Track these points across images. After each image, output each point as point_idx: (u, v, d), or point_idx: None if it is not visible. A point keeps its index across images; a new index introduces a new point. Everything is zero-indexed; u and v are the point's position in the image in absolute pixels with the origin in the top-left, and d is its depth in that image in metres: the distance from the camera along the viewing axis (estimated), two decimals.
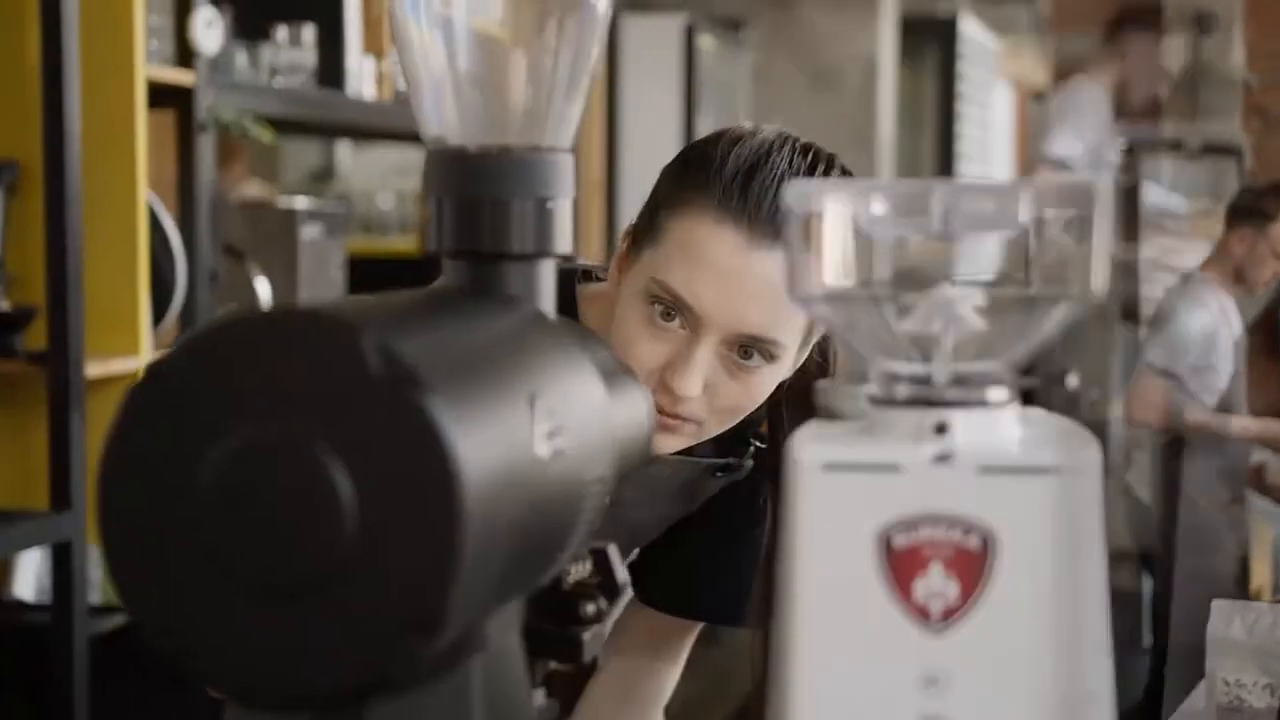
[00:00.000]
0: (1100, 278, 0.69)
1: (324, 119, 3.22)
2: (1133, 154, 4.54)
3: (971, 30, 7.50)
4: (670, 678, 1.55)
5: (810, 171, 1.28)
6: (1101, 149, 4.45)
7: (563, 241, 0.81)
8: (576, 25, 0.81)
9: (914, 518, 0.67)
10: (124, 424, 0.63)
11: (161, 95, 2.61)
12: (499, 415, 0.65)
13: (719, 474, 1.41)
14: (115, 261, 2.47)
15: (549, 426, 0.69)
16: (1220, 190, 7.73)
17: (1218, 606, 1.91)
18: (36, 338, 2.37)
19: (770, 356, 1.25)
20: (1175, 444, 4.28)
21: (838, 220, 0.70)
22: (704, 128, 5.99)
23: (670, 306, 1.24)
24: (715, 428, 1.29)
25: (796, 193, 0.70)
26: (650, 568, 1.43)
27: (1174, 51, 4.68)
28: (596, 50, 0.83)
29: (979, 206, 0.69)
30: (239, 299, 2.83)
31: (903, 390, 0.70)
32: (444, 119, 0.81)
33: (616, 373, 0.84)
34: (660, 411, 1.25)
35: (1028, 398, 0.72)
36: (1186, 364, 4.18)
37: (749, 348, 1.24)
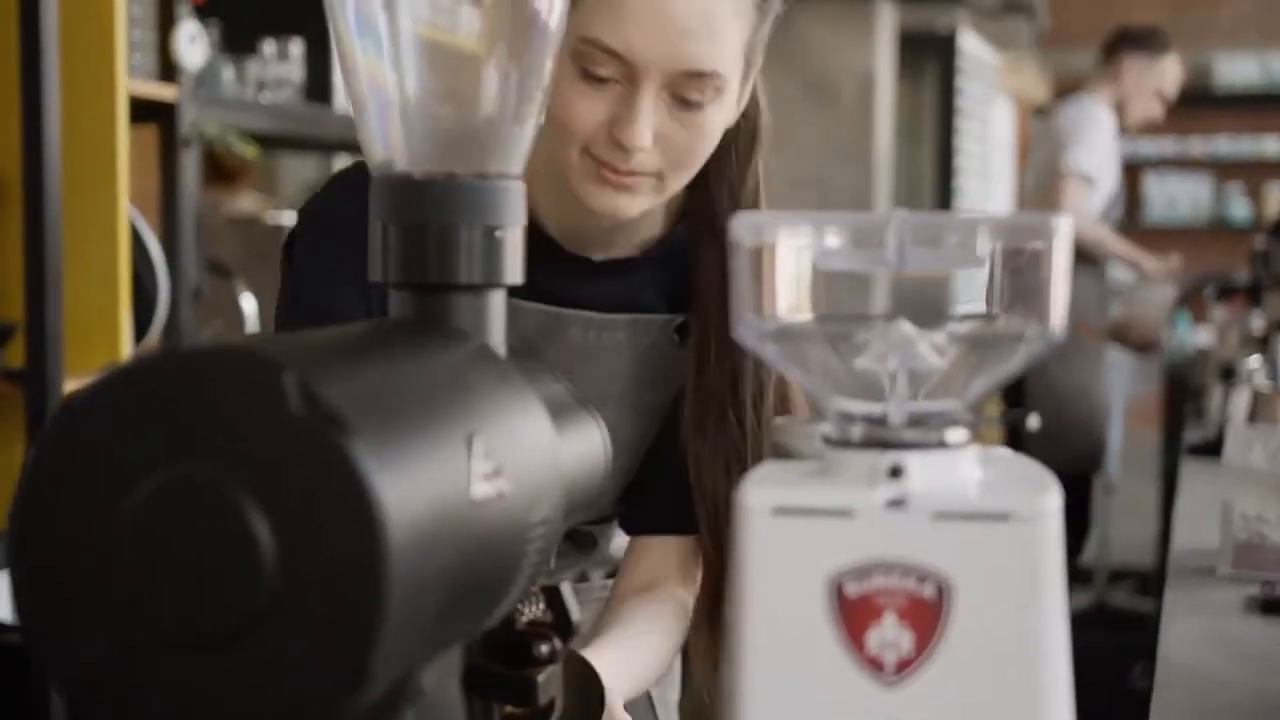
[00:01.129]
0: (1061, 314, 0.66)
1: (310, 134, 3.20)
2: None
3: (971, 45, 7.48)
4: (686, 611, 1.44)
5: None
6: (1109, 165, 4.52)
7: (513, 272, 0.79)
8: (526, 46, 0.79)
9: (867, 565, 0.64)
10: (38, 463, 0.60)
11: (145, 110, 2.58)
12: (431, 456, 0.62)
13: (677, 335, 1.39)
14: (96, 277, 2.44)
15: (488, 467, 0.66)
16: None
17: (1234, 431, 1.78)
18: (15, 355, 2.34)
19: (715, 91, 1.22)
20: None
21: (789, 253, 0.68)
22: None
23: (602, 62, 1.21)
24: (675, 182, 1.27)
25: (746, 224, 0.67)
26: (640, 490, 1.42)
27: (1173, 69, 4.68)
28: (548, 71, 0.81)
29: (935, 240, 0.66)
30: (224, 316, 2.80)
31: (857, 431, 0.67)
32: (390, 143, 0.79)
33: (568, 406, 0.81)
34: (615, 171, 1.23)
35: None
36: (1097, 172, 4.34)
37: (691, 88, 1.21)
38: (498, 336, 0.78)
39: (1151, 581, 5.15)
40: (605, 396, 1.35)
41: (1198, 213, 10.10)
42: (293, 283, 1.38)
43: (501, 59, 0.79)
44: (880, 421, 0.67)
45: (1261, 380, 2.92)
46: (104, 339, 2.46)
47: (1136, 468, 6.53)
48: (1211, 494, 1.89)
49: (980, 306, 0.67)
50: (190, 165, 2.64)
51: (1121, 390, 6.08)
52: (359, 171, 1.34)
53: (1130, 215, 10.25)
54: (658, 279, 1.39)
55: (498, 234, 0.77)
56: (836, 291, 0.69)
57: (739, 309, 0.68)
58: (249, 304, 2.89)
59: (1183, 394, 4.68)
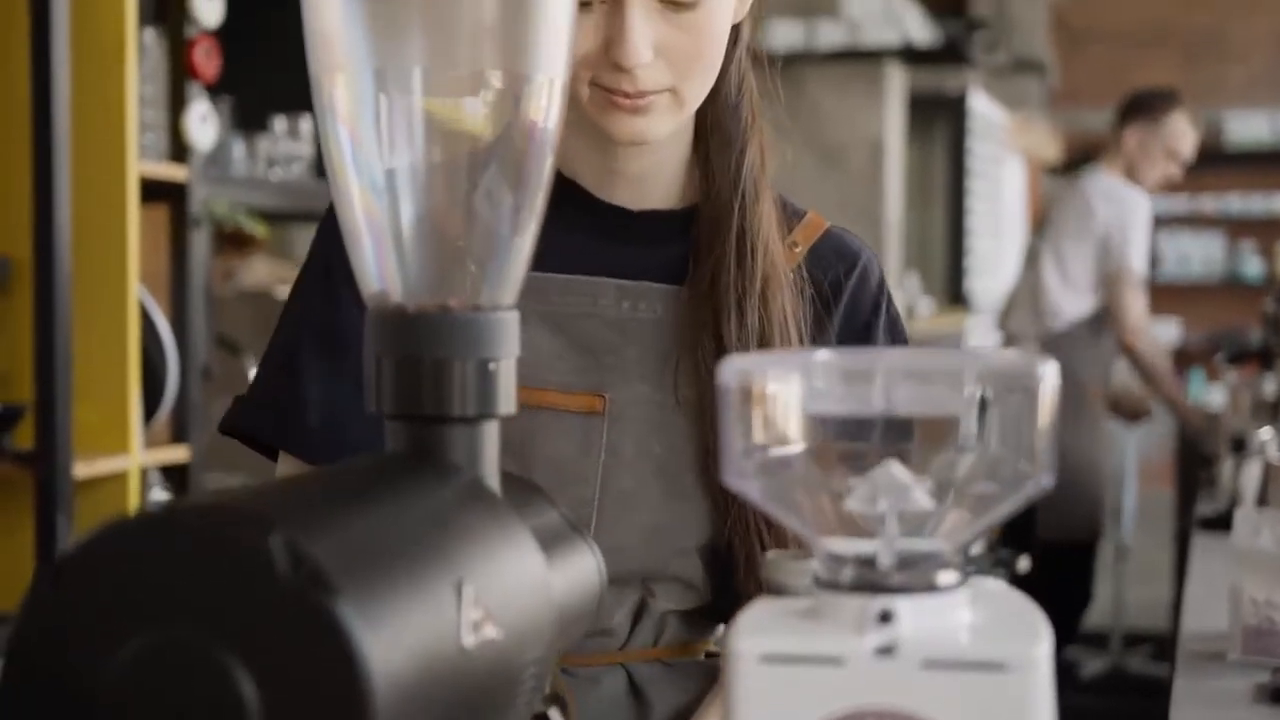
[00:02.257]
0: (1049, 460, 0.66)
1: (321, 209, 3.21)
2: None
3: (981, 105, 7.50)
4: None
5: None
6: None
7: (506, 402, 0.79)
8: (518, 180, 0.79)
9: (857, 713, 0.64)
10: (27, 620, 0.60)
11: (156, 189, 2.60)
12: (419, 609, 0.62)
13: None
14: (106, 359, 2.45)
15: (478, 614, 0.66)
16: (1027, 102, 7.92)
17: (1242, 514, 1.76)
18: (24, 437, 2.35)
19: None
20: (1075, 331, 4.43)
21: (777, 394, 0.68)
22: None
23: None
24: (692, 93, 1.20)
25: (733, 369, 0.67)
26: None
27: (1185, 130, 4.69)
28: (540, 204, 0.81)
29: (922, 384, 0.66)
30: (233, 391, 2.81)
31: (847, 573, 0.67)
32: (385, 276, 0.79)
33: (560, 535, 0.81)
34: (625, 95, 1.17)
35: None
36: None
37: None
38: (491, 467, 0.78)
39: (1168, 646, 5.11)
40: (643, 379, 1.25)
41: (1210, 270, 10.11)
42: (303, 293, 1.31)
43: (496, 189, 0.79)
44: (869, 563, 0.67)
45: (1274, 452, 2.90)
46: (113, 421, 2.47)
47: (1152, 528, 6.51)
48: (1222, 572, 1.88)
49: (971, 448, 0.67)
50: (200, 244, 2.66)
51: (1135, 451, 6.07)
52: None
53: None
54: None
55: (491, 366, 0.78)
56: (826, 430, 0.69)
57: (727, 451, 0.68)
58: None
59: (1195, 457, 4.67)
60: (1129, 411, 5.01)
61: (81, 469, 2.39)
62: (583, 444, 1.22)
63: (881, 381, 0.67)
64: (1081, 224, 4.50)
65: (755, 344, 1.21)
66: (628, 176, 1.28)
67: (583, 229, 1.28)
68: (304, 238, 5.04)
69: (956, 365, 0.66)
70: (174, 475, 2.72)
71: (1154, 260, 10.18)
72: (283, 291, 3.32)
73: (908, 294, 6.20)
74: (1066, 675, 5.04)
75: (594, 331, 1.25)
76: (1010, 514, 0.68)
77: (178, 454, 2.68)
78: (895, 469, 0.68)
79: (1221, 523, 2.71)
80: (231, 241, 3.56)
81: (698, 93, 1.20)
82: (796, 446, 0.68)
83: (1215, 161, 9.98)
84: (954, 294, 7.33)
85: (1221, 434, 3.85)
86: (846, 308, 1.29)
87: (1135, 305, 4.38)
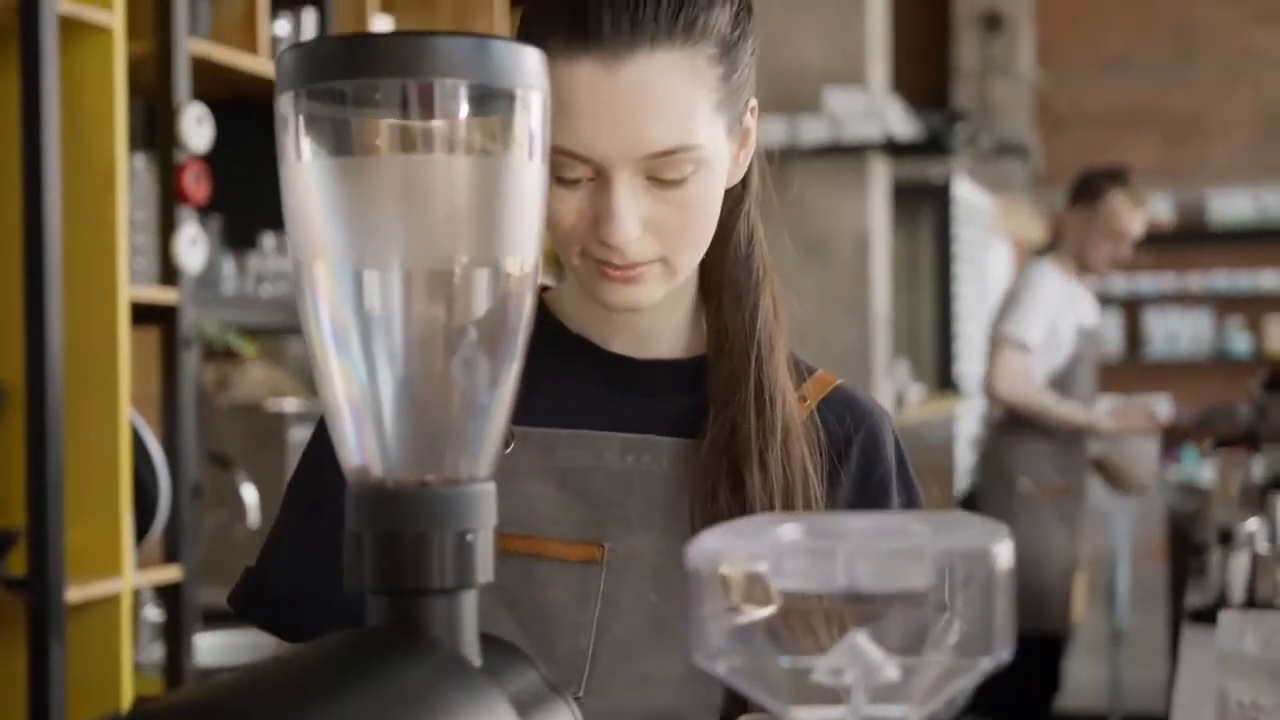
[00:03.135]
0: (1008, 633, 0.68)
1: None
2: None
3: (965, 191, 7.58)
4: None
5: None
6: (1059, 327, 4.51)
7: (484, 571, 0.81)
8: (493, 358, 0.82)
9: None
10: None
11: (147, 312, 2.63)
12: None
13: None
14: (98, 482, 2.47)
15: None
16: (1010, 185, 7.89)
17: (1226, 618, 1.75)
18: (17, 563, 2.36)
19: (694, 163, 1.16)
20: (1010, 423, 4.43)
21: (745, 572, 0.70)
22: None
23: (568, 166, 1.14)
24: (684, 260, 1.20)
25: (699, 551, 0.70)
26: None
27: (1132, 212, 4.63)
28: (514, 374, 0.84)
29: (883, 565, 0.68)
30: (226, 506, 2.83)
31: None
32: (364, 451, 0.82)
33: (541, 697, 0.83)
34: (615, 267, 1.17)
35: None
36: (1036, 338, 4.35)
37: (665, 168, 1.15)
38: (470, 635, 0.80)
39: None
40: (646, 529, 1.25)
41: (1199, 347, 10.16)
42: (294, 486, 1.35)
43: (472, 368, 0.82)
44: None
45: (1262, 544, 2.91)
46: (106, 544, 2.48)
47: (1147, 606, 6.50)
48: (1212, 668, 1.89)
49: (933, 622, 0.70)
50: (191, 365, 2.68)
51: (1127, 532, 6.08)
52: None
53: (1131, 351, 10.34)
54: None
55: (469, 538, 0.80)
56: (793, 604, 0.71)
57: (695, 628, 0.70)
58: (250, 494, 2.92)
59: (1186, 540, 4.67)
60: (1114, 483, 5.03)
61: (74, 593, 2.40)
62: (580, 593, 1.23)
63: (844, 559, 0.69)
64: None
65: (779, 496, 1.22)
66: (631, 330, 1.29)
67: (593, 380, 1.28)
68: (296, 347, 5.07)
69: (917, 545, 0.69)
70: (167, 594, 2.74)
71: (1142, 339, 10.26)
72: (275, 404, 3.35)
73: (897, 382, 6.23)
74: None
75: (598, 484, 1.25)
76: (974, 683, 0.70)
77: (170, 574, 2.70)
78: (862, 640, 0.70)
79: (1210, 615, 2.72)
80: (226, 350, 3.60)
81: (689, 261, 1.21)
82: (763, 623, 0.71)
83: (1200, 239, 10.08)
84: (943, 379, 7.37)
85: (1210, 521, 3.86)
86: (858, 464, 1.29)
87: (1002, 364, 4.37)
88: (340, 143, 0.80)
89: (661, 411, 1.28)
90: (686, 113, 1.14)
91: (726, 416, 1.25)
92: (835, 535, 0.70)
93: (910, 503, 1.31)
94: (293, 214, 0.81)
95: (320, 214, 0.80)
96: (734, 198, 1.27)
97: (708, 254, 1.24)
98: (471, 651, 0.80)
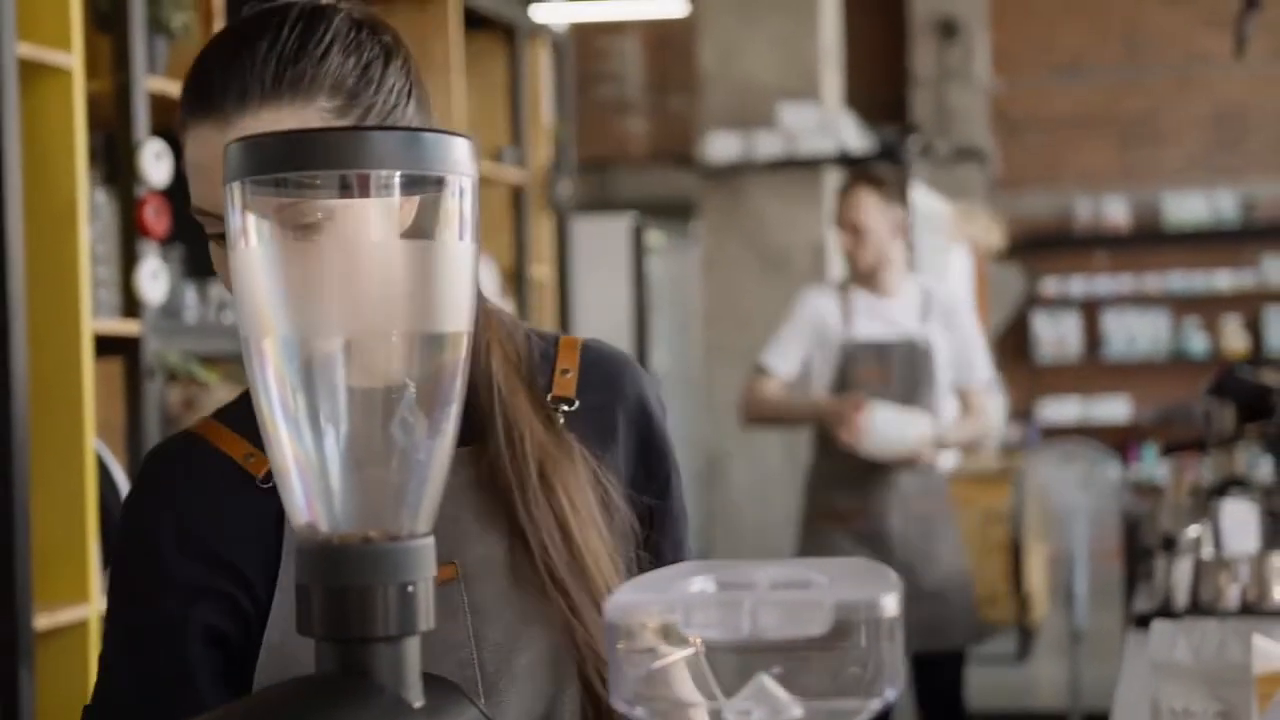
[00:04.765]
0: (896, 676, 0.75)
1: None
2: None
3: (923, 199, 7.66)
4: None
5: (276, 29, 1.21)
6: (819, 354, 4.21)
7: (426, 619, 0.88)
8: (431, 422, 0.89)
9: None
10: None
11: (110, 344, 2.69)
12: None
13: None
14: (64, 512, 2.52)
15: None
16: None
17: (1159, 626, 1.80)
18: None
19: (326, 210, 1.14)
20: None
21: (658, 626, 0.77)
22: (656, 319, 6.13)
23: (210, 223, 1.21)
24: None
25: (616, 605, 0.76)
26: None
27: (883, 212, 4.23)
28: (451, 434, 0.90)
29: (784, 615, 0.75)
30: None
31: None
32: (312, 510, 0.88)
33: None
34: None
35: None
36: (794, 364, 4.07)
37: (299, 215, 1.13)
38: (413, 678, 0.87)
39: None
40: (485, 534, 1.29)
41: (1156, 347, 10.29)
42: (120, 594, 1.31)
43: (411, 431, 0.89)
44: None
45: (1206, 549, 2.97)
46: (73, 572, 2.53)
47: (1107, 605, 6.59)
48: (1150, 679, 1.95)
49: (829, 665, 0.76)
50: (154, 394, 2.74)
51: (1085, 535, 6.16)
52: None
53: (1090, 352, 10.47)
54: None
55: (410, 589, 0.87)
56: (703, 650, 0.78)
57: (614, 676, 0.77)
58: None
59: (1139, 538, 4.74)
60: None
61: (42, 620, 2.45)
62: (448, 610, 1.26)
63: (749, 609, 0.76)
64: None
65: (556, 529, 1.27)
66: None
67: None
68: None
69: (816, 598, 0.76)
70: None
71: (1101, 340, 10.38)
72: None
73: None
74: None
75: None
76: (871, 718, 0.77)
77: None
78: (767, 682, 0.77)
79: (1153, 620, 2.78)
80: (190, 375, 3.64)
81: None
82: (676, 668, 0.78)
83: (1156, 241, 10.22)
84: None
85: (1157, 526, 3.93)
86: (627, 429, 1.35)
87: (749, 388, 4.17)
88: (283, 228, 0.86)
89: None
90: None
91: (487, 459, 1.29)
92: (742, 591, 0.77)
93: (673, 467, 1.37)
94: (241, 292, 0.87)
95: (265, 293, 0.86)
96: None
97: None
98: (414, 694, 0.86)
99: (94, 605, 2.56)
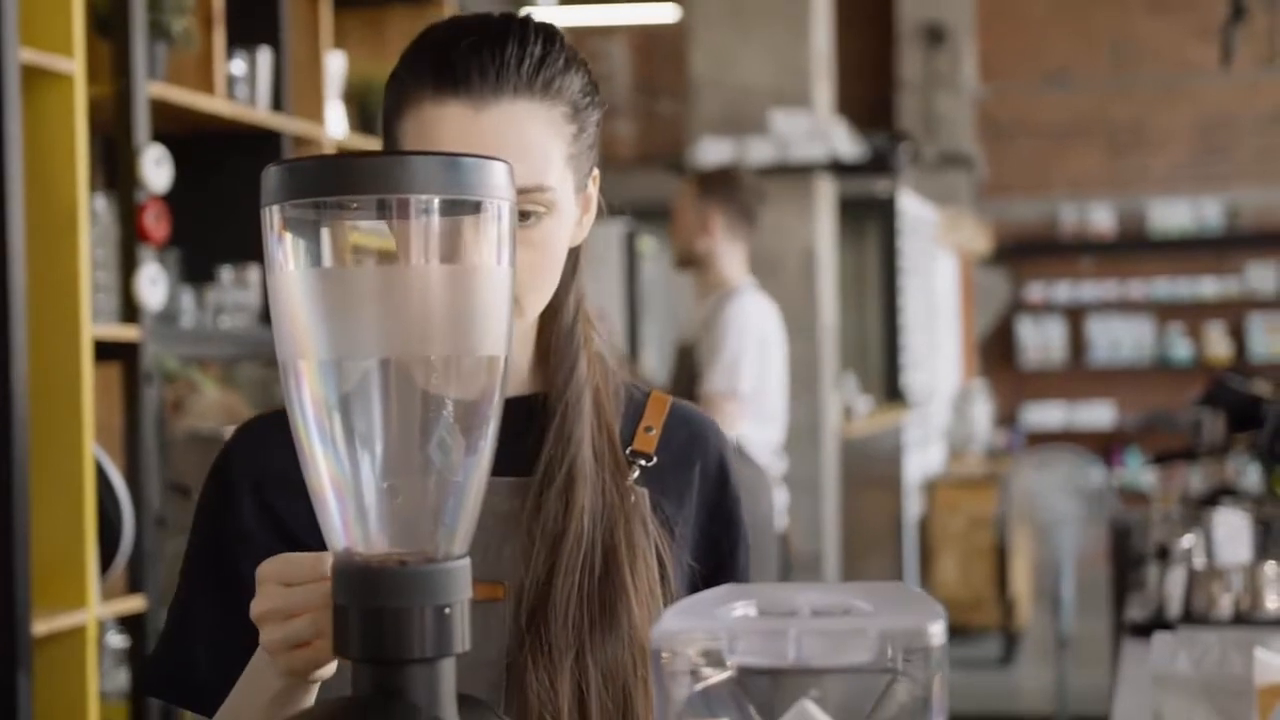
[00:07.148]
0: (943, 705, 0.76)
1: (269, 356, 3.31)
2: None
3: (910, 205, 7.68)
4: None
5: (522, 31, 1.24)
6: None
7: (461, 640, 0.88)
8: (466, 439, 0.89)
9: None
10: None
11: (109, 349, 2.69)
12: None
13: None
14: (63, 517, 2.52)
15: None
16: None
17: (1160, 638, 1.81)
18: None
19: (547, 205, 1.22)
20: None
21: (703, 651, 0.77)
22: (647, 326, 6.13)
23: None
24: (533, 299, 1.25)
25: (662, 632, 0.77)
26: None
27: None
28: (488, 456, 0.91)
29: (829, 643, 0.76)
30: (187, 535, 2.87)
31: None
32: (349, 534, 0.88)
33: None
34: None
35: None
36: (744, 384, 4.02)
37: (523, 203, 1.19)
38: (448, 699, 0.87)
39: None
40: (533, 563, 1.27)
41: (1140, 354, 10.31)
42: (196, 542, 1.35)
43: (448, 455, 0.89)
44: None
45: (1198, 559, 2.98)
46: (70, 577, 2.53)
47: (1093, 611, 6.60)
48: (1148, 684, 1.95)
49: (876, 691, 0.77)
50: (152, 399, 2.73)
51: (1071, 543, 6.18)
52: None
53: (1075, 358, 10.49)
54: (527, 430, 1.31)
55: (447, 611, 0.87)
56: (747, 677, 0.78)
57: (659, 701, 0.77)
58: None
59: (1127, 544, 4.74)
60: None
61: (40, 625, 2.45)
62: (484, 630, 1.23)
63: (794, 637, 0.76)
64: None
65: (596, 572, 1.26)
66: None
67: None
68: (249, 370, 5.11)
69: (859, 626, 0.76)
70: (131, 624, 2.79)
71: (1086, 346, 10.41)
72: (228, 434, 3.39)
73: (845, 394, 6.32)
74: None
75: (487, 525, 1.30)
76: None
77: (134, 604, 2.75)
78: (810, 707, 0.77)
79: (1149, 630, 2.79)
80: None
81: (535, 302, 1.26)
82: (720, 693, 0.78)
83: (1141, 248, 10.24)
84: (891, 390, 7.46)
85: (1149, 535, 3.93)
86: (701, 487, 1.35)
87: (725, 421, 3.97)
88: (321, 252, 0.87)
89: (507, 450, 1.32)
90: (542, 156, 1.22)
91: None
92: (786, 618, 0.78)
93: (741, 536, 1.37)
94: (279, 316, 0.87)
95: (304, 316, 0.87)
96: (568, 268, 1.31)
97: (546, 309, 1.29)
98: (449, 714, 0.87)
99: (91, 610, 2.56)
